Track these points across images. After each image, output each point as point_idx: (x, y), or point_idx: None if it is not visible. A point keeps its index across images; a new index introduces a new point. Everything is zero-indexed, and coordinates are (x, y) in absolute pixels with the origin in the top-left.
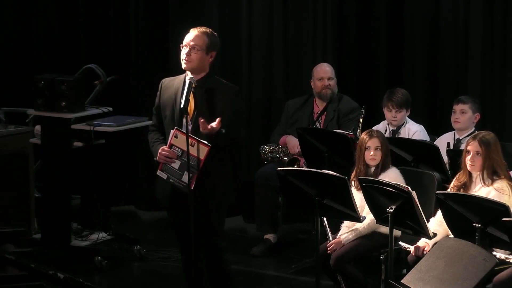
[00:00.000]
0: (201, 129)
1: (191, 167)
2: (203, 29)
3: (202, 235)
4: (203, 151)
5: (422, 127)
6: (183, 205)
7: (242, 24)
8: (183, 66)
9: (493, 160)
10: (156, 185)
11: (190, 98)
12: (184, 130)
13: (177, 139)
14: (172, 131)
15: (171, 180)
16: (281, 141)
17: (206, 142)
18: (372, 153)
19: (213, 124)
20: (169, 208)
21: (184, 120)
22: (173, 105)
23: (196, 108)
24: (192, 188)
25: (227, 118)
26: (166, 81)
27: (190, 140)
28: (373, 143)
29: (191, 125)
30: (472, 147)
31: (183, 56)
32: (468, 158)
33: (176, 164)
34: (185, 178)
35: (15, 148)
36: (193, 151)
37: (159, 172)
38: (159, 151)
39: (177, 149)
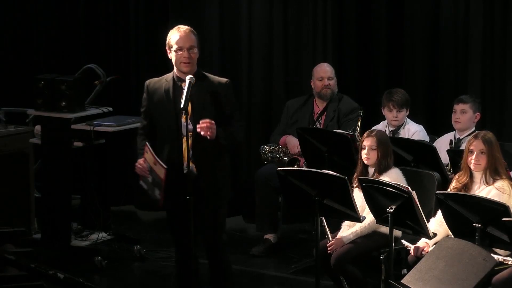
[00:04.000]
0: (202, 133)
1: (158, 184)
2: (187, 28)
3: (204, 229)
4: (161, 172)
5: (422, 127)
6: (184, 204)
7: (242, 24)
8: (185, 69)
9: (495, 159)
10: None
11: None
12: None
13: (147, 154)
14: (145, 147)
15: (149, 192)
16: (281, 141)
17: (163, 164)
18: (366, 152)
19: (206, 120)
20: (170, 207)
21: (183, 119)
22: (165, 107)
23: (193, 107)
24: (161, 205)
25: (226, 111)
26: (152, 83)
27: (153, 159)
28: (368, 142)
29: (191, 125)
30: (476, 146)
31: (182, 59)
32: (472, 157)
33: (150, 178)
34: (157, 193)
35: (15, 148)
36: (157, 169)
37: (141, 182)
38: (137, 163)
39: (147, 164)
